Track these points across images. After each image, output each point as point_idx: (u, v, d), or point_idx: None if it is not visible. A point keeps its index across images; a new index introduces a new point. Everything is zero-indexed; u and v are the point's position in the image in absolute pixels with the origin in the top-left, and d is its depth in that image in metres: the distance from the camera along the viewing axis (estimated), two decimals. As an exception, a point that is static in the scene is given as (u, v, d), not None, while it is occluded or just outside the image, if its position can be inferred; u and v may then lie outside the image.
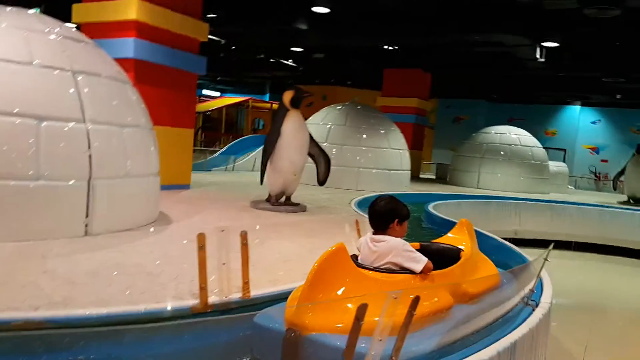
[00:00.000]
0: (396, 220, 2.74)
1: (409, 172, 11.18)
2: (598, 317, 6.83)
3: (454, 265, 2.86)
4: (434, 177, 16.85)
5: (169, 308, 2.63)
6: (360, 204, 7.63)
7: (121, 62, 6.01)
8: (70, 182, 3.95)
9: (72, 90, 4.04)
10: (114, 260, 3.48)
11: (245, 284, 2.83)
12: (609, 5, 9.10)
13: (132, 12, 6.36)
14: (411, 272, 2.57)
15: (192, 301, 2.72)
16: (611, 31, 11.55)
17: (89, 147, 4.05)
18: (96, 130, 4.11)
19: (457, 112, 24.67)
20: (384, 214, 2.76)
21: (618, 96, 18.97)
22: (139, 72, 6.53)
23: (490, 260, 3.48)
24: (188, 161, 7.56)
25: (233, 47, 16.36)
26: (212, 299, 2.71)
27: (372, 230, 2.79)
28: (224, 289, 2.76)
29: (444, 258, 2.88)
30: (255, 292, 2.91)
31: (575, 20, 10.70)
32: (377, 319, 1.90)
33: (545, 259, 3.27)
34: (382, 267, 2.59)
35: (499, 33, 11.36)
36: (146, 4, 6.45)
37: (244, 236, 2.82)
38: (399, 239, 2.68)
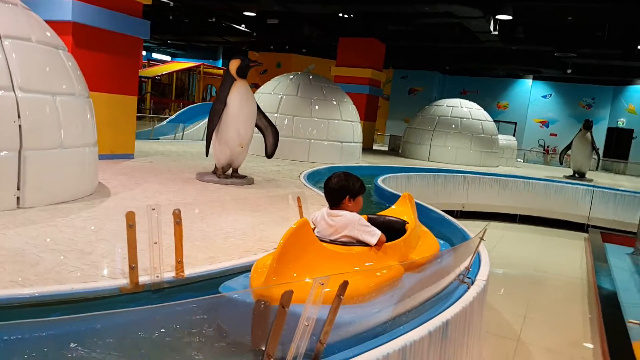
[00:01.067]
0: (347, 196, 2.85)
1: (361, 144, 11.18)
2: (537, 289, 7.07)
3: (403, 237, 3.00)
4: (387, 149, 16.96)
5: (96, 288, 2.53)
6: (310, 177, 7.59)
7: (58, 25, 5.74)
8: (0, 154, 3.75)
9: (-2, 55, 3.79)
10: (45, 236, 3.34)
11: (179, 263, 2.76)
12: (560, -19, 9.18)
13: (69, -29, 6.01)
14: (366, 244, 2.71)
15: (122, 281, 2.63)
16: (563, 6, 11.73)
17: (19, 117, 3.83)
18: (26, 98, 3.89)
19: (411, 83, 24.76)
20: (336, 190, 2.87)
21: (569, 71, 19.42)
22: (78, 36, 6.21)
23: (430, 232, 3.66)
24: (131, 130, 7.31)
25: (181, 11, 15.80)
26: (143, 278, 2.62)
27: (329, 206, 2.89)
28: (156, 268, 2.68)
29: (390, 230, 3.01)
30: (190, 270, 2.84)
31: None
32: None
33: (482, 238, 3.30)
34: (339, 240, 2.72)
35: (449, 4, 11.35)
36: (85, -36, 6.10)
37: (177, 214, 2.73)
38: (354, 214, 2.80)
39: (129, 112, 7.19)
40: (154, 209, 2.59)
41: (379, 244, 2.71)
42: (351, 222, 2.74)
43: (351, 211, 2.83)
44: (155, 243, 2.61)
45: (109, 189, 4.96)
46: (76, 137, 4.41)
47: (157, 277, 2.65)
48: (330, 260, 2.48)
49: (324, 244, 2.56)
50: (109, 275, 2.78)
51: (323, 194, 5.78)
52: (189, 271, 2.81)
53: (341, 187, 2.86)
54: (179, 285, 2.73)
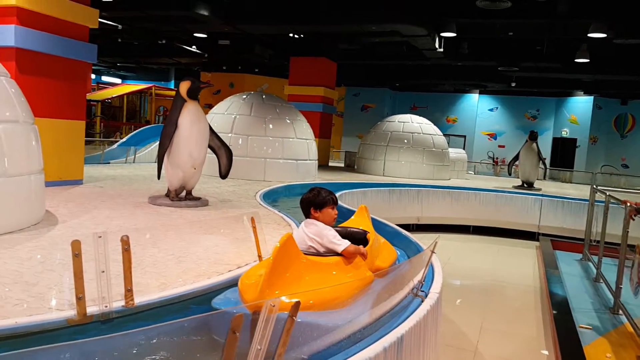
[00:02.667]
0: (312, 207, 3.24)
1: (317, 161, 11.25)
2: (492, 298, 7.23)
3: (368, 246, 3.35)
4: (343, 165, 17.10)
5: (42, 321, 2.45)
6: (266, 196, 7.57)
7: (1, 50, 5.61)
8: (-64, 185, 3.60)
9: None
10: (-13, 270, 3.20)
11: (128, 292, 2.70)
12: (500, -1, 9.56)
13: (11, -4, 5.87)
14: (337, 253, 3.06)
15: (70, 312, 2.55)
16: (504, 22, 12.20)
17: (-43, 146, 3.69)
18: (-35, 127, 3.76)
19: (364, 100, 25.15)
20: (303, 203, 3.31)
21: (513, 84, 20.15)
22: (21, 61, 6.06)
23: (387, 240, 4.05)
24: (79, 155, 7.13)
25: (130, 34, 15.64)
26: (92, 309, 2.55)
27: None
28: (105, 297, 2.61)
29: (353, 240, 3.25)
30: (140, 299, 2.78)
31: (469, 11, 11.20)
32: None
33: (433, 251, 3.37)
34: (311, 248, 3.09)
35: (395, 23, 11.66)
36: (27, -12, 5.97)
37: (125, 241, 2.67)
38: (323, 225, 3.16)
39: (77, 137, 7.02)
40: (100, 237, 2.53)
41: (346, 253, 3.03)
42: (321, 231, 3.11)
43: (322, 221, 3.20)
44: (103, 272, 2.55)
45: (56, 217, 4.82)
46: (21, 164, 4.28)
47: (106, 306, 2.58)
48: (311, 270, 2.81)
49: (307, 255, 2.88)
50: (56, 307, 2.70)
51: (279, 213, 5.78)
52: (139, 299, 2.75)
53: (305, 200, 3.29)
54: (128, 315, 2.67)
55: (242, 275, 2.87)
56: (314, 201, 3.24)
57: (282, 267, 2.64)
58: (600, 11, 11.00)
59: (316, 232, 3.11)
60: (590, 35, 11.60)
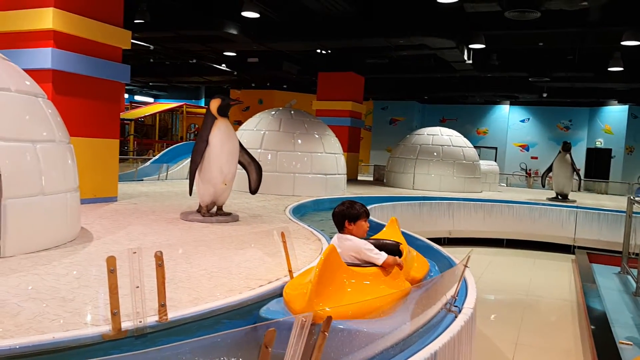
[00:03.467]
0: (346, 220, 3.36)
1: (346, 175, 11.24)
2: (527, 313, 7.06)
3: (403, 256, 3.45)
4: (371, 179, 17.05)
5: (78, 336, 2.49)
6: (295, 211, 7.59)
7: (38, 73, 5.79)
8: (-21, 203, 3.72)
9: (-24, 105, 3.80)
10: (26, 285, 3.28)
11: (162, 307, 2.73)
12: (529, 9, 9.46)
13: (48, 21, 6.06)
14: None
15: (104, 327, 2.59)
16: (534, 32, 12.07)
17: (-2, 166, 3.81)
18: (5, 147, 3.88)
19: (392, 114, 25.11)
20: (337, 216, 3.41)
21: (544, 95, 19.85)
22: (58, 83, 6.24)
23: (418, 251, 4.15)
24: (114, 172, 7.28)
25: (161, 54, 16.00)
26: (126, 324, 2.59)
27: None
28: (139, 313, 2.65)
29: (387, 251, 3.33)
30: (173, 314, 2.81)
31: (498, 22, 11.11)
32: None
33: (465, 265, 3.32)
34: (346, 261, 3.13)
35: (422, 36, 11.64)
36: (63, 13, 6.16)
37: (158, 257, 2.71)
38: (358, 239, 3.28)
39: (111, 155, 7.18)
40: (135, 253, 2.57)
41: (385, 265, 3.14)
42: (358, 246, 3.21)
43: (355, 234, 3.34)
44: (137, 287, 2.59)
45: (91, 234, 4.92)
46: (57, 183, 4.39)
47: (140, 322, 2.62)
48: (353, 280, 2.98)
49: (347, 266, 3.01)
50: (92, 322, 2.74)
51: (308, 227, 5.78)
52: (172, 314, 2.77)
53: (339, 213, 3.39)
54: (162, 330, 2.70)
55: (285, 286, 3.10)
56: (348, 214, 3.35)
57: (328, 277, 2.78)
58: (633, 18, 10.78)
59: (352, 247, 3.21)
60: (623, 43, 11.37)
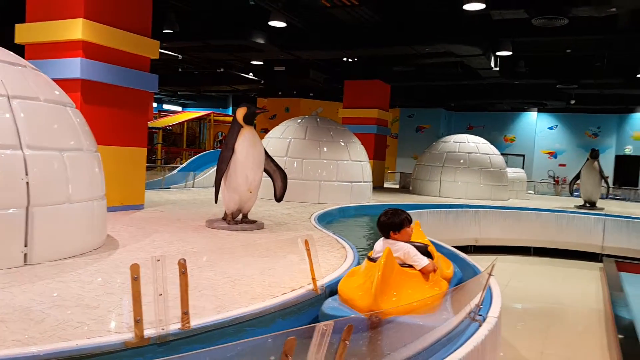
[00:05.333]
0: (391, 231, 3.69)
1: (371, 183, 11.20)
2: (554, 322, 6.92)
3: (435, 259, 3.80)
4: (397, 186, 16.96)
5: (101, 344, 2.52)
6: (321, 219, 7.58)
7: (67, 82, 5.92)
8: (8, 211, 3.80)
9: (7, 115, 3.89)
10: (51, 292, 3.34)
11: (185, 315, 2.74)
12: (556, 15, 9.33)
13: (77, 31, 6.20)
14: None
15: (128, 335, 2.61)
16: (561, 39, 11.90)
17: (27, 174, 3.89)
18: (34, 156, 3.97)
19: (418, 121, 24.98)
20: (382, 227, 3.73)
21: (572, 102, 19.53)
22: (87, 92, 6.37)
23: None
24: (141, 180, 7.39)
25: (190, 63, 16.24)
26: (149, 331, 2.61)
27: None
28: (162, 320, 2.67)
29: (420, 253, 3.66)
30: (196, 321, 2.82)
31: (525, 29, 10.99)
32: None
33: (490, 274, 3.27)
34: None
35: (448, 44, 11.58)
36: (92, 24, 6.30)
37: (182, 264, 2.73)
38: (405, 245, 3.61)
39: (139, 164, 7.29)
40: (158, 260, 2.59)
41: (425, 270, 3.50)
42: (406, 250, 3.56)
43: (400, 240, 3.65)
44: (161, 295, 2.60)
45: (117, 241, 4.99)
46: (84, 191, 4.47)
47: (163, 329, 2.64)
48: (405, 279, 3.37)
49: (400, 267, 3.42)
50: (115, 330, 2.77)
51: (333, 235, 5.78)
52: (195, 322, 2.79)
53: (384, 224, 3.70)
54: (185, 337, 2.71)
55: (339, 285, 3.54)
56: (392, 224, 3.66)
57: (388, 277, 3.16)
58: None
59: (400, 250, 3.55)
60: (653, 48, 11.13)
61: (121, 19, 6.73)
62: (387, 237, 3.67)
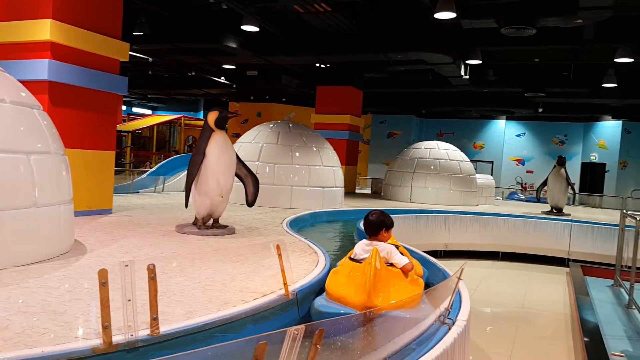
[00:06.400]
0: (383, 229, 3.95)
1: (343, 188, 11.25)
2: (522, 326, 7.04)
3: (408, 258, 3.97)
4: (369, 192, 17.05)
5: (68, 350, 2.47)
6: (292, 224, 7.57)
7: (34, 84, 5.79)
8: (-29, 215, 3.70)
9: (-29, 116, 3.79)
10: (16, 298, 3.25)
11: (154, 320, 2.70)
12: (525, 25, 9.55)
13: (45, 32, 6.07)
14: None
15: (95, 341, 2.56)
16: (530, 49, 12.19)
17: (-9, 177, 3.80)
18: (-1, 158, 3.87)
19: (390, 127, 25.22)
20: (374, 225, 3.94)
21: (540, 110, 19.99)
22: (54, 94, 6.24)
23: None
24: (109, 184, 7.26)
25: (160, 66, 16.06)
26: (117, 338, 2.57)
27: (368, 236, 3.99)
28: (131, 326, 2.63)
29: None
30: (166, 327, 2.78)
31: (494, 38, 11.23)
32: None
33: (459, 278, 3.31)
34: None
35: (420, 52, 11.75)
36: (61, 24, 6.18)
37: (151, 270, 2.69)
38: (388, 245, 3.85)
39: (107, 168, 7.17)
40: (127, 265, 2.55)
41: (404, 268, 3.72)
42: (390, 250, 3.79)
43: (385, 240, 3.93)
44: (129, 300, 2.56)
45: (85, 246, 4.90)
46: (51, 195, 4.38)
47: (132, 335, 2.59)
48: (391, 278, 3.60)
49: (386, 267, 3.64)
50: (83, 336, 2.72)
51: (305, 240, 5.77)
52: (164, 328, 2.75)
53: (380, 222, 3.94)
54: (154, 344, 2.67)
55: (327, 285, 3.76)
56: (386, 223, 3.95)
57: (378, 275, 3.41)
58: (626, 36, 10.90)
59: (386, 251, 3.76)
60: (616, 60, 11.48)
61: (90, 20, 6.62)
62: (376, 235, 3.91)
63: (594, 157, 22.70)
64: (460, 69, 12.98)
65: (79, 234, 5.36)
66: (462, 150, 14.59)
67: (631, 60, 11.39)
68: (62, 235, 4.55)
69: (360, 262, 3.73)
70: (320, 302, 3.60)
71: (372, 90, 17.20)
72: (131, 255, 4.68)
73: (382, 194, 14.74)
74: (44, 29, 6.09)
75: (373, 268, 3.36)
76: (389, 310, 3.13)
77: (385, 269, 3.57)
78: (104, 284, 2.51)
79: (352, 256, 3.93)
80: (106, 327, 2.52)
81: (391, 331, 2.77)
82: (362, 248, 3.89)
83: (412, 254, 5.39)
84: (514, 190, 20.34)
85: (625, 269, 7.56)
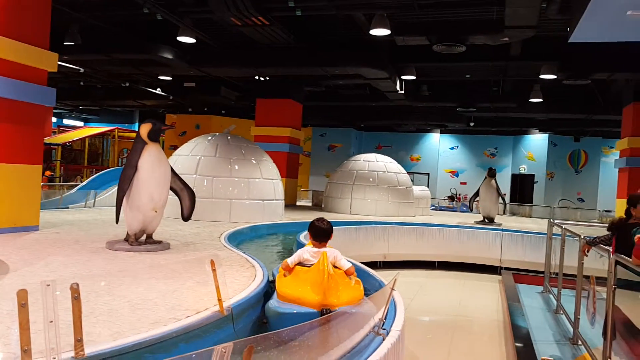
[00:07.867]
0: (331, 234, 4.28)
1: (284, 201, 11.22)
2: (458, 334, 7.21)
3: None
4: (310, 204, 17.09)
5: (-16, 377, 2.33)
6: (231, 238, 7.46)
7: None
8: None
9: None
10: None
11: (78, 342, 2.59)
12: (455, 43, 9.91)
13: (-35, 40, 5.79)
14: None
15: (15, 366, 2.43)
16: (460, 65, 12.65)
17: None
18: None
19: (330, 140, 25.46)
20: (324, 231, 4.23)
21: (471, 124, 20.74)
22: (-25, 105, 5.95)
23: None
24: (35, 200, 6.94)
25: (93, 77, 15.57)
26: (38, 361, 2.44)
27: (316, 243, 4.23)
28: (54, 349, 2.50)
29: None
30: (91, 349, 2.67)
31: (427, 55, 11.59)
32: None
33: (392, 288, 3.36)
34: None
35: (357, 67, 11.97)
36: (-17, 33, 5.91)
37: (74, 289, 2.58)
38: (334, 250, 4.20)
39: (33, 182, 6.85)
40: (48, 285, 2.44)
41: (348, 271, 4.07)
42: (336, 255, 4.14)
43: (329, 245, 4.26)
44: (51, 322, 2.44)
45: (8, 265, 4.64)
46: (-31, 212, 4.14)
47: (54, 358, 2.47)
48: (338, 277, 3.90)
49: (334, 268, 3.97)
50: (1, 361, 2.57)
51: (242, 254, 5.71)
52: (89, 349, 2.64)
53: (327, 229, 4.24)
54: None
55: (277, 288, 4.02)
56: (331, 230, 4.27)
57: (332, 276, 3.74)
58: (550, 54, 11.52)
59: (332, 255, 4.08)
60: (541, 76, 12.09)
61: (16, 29, 6.35)
62: (325, 241, 4.21)
63: (523, 169, 23.75)
64: (395, 84, 13.30)
65: (2, 252, 5.09)
66: (399, 163, 14.91)
67: (554, 76, 12.03)
68: (-18, 255, 4.30)
69: (309, 267, 4.00)
70: (273, 304, 3.83)
71: (311, 103, 17.32)
72: (57, 274, 4.47)
73: (322, 206, 14.82)
74: (-36, 37, 5.80)
75: (327, 270, 3.72)
76: (342, 306, 3.53)
77: (334, 271, 3.89)
78: (23, 305, 2.38)
79: (301, 261, 4.17)
80: (26, 351, 2.39)
81: (326, 343, 2.77)
82: (310, 254, 4.15)
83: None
84: (442, 205, 21.00)
85: (554, 276, 7.89)
